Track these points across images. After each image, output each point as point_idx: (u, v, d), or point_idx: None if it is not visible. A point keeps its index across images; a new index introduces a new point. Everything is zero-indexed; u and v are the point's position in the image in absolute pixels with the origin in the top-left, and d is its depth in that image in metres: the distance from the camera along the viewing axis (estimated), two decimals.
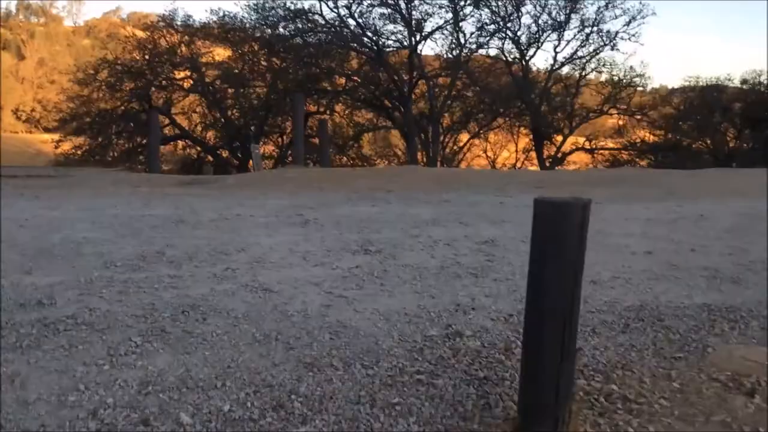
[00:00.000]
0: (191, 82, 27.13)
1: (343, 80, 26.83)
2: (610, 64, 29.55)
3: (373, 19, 25.69)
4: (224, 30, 26.37)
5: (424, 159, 26.35)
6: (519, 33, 28.70)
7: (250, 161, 23.70)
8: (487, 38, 27.57)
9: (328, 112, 26.90)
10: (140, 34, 27.36)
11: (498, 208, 8.24)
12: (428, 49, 28.13)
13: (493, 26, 27.28)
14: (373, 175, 10.77)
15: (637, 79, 29.74)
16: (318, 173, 9.60)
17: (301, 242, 5.85)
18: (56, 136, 27.08)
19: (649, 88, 31.99)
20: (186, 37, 26.50)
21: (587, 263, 2.32)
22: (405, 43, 26.16)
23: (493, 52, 29.17)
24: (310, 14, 25.03)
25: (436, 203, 8.68)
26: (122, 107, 26.27)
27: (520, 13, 27.90)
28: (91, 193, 9.70)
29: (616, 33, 28.64)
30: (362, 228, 6.53)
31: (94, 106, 26.00)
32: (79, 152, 25.72)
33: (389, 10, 25.47)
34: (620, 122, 32.08)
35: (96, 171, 10.43)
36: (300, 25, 25.46)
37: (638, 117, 30.56)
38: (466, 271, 4.83)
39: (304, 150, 24.81)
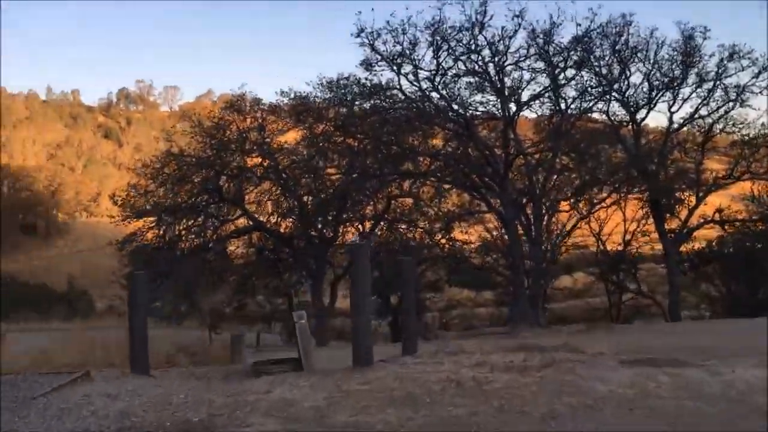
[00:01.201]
0: (263, 169, 25.03)
1: (428, 160, 23.89)
2: (741, 123, 25.35)
3: (459, 89, 22.83)
4: (296, 112, 24.31)
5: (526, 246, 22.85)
6: (627, 94, 25.25)
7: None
8: (592, 102, 24.13)
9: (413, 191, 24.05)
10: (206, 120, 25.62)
11: None
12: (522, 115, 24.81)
13: (598, 89, 23.84)
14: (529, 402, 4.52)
15: None
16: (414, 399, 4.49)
17: None
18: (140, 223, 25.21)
19: None
20: (255, 122, 24.63)
21: None
22: (497, 114, 23.06)
23: (598, 116, 25.85)
24: (388, 90, 22.39)
25: None
26: (191, 200, 24.41)
27: (628, 72, 24.47)
28: None
29: (744, 87, 24.66)
30: None
31: (160, 201, 24.21)
32: (143, 253, 23.77)
33: (477, 78, 22.52)
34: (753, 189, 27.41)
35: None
36: (377, 102, 22.87)
37: None
38: None
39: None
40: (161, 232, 23.85)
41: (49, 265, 72.10)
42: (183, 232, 24.75)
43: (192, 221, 24.71)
